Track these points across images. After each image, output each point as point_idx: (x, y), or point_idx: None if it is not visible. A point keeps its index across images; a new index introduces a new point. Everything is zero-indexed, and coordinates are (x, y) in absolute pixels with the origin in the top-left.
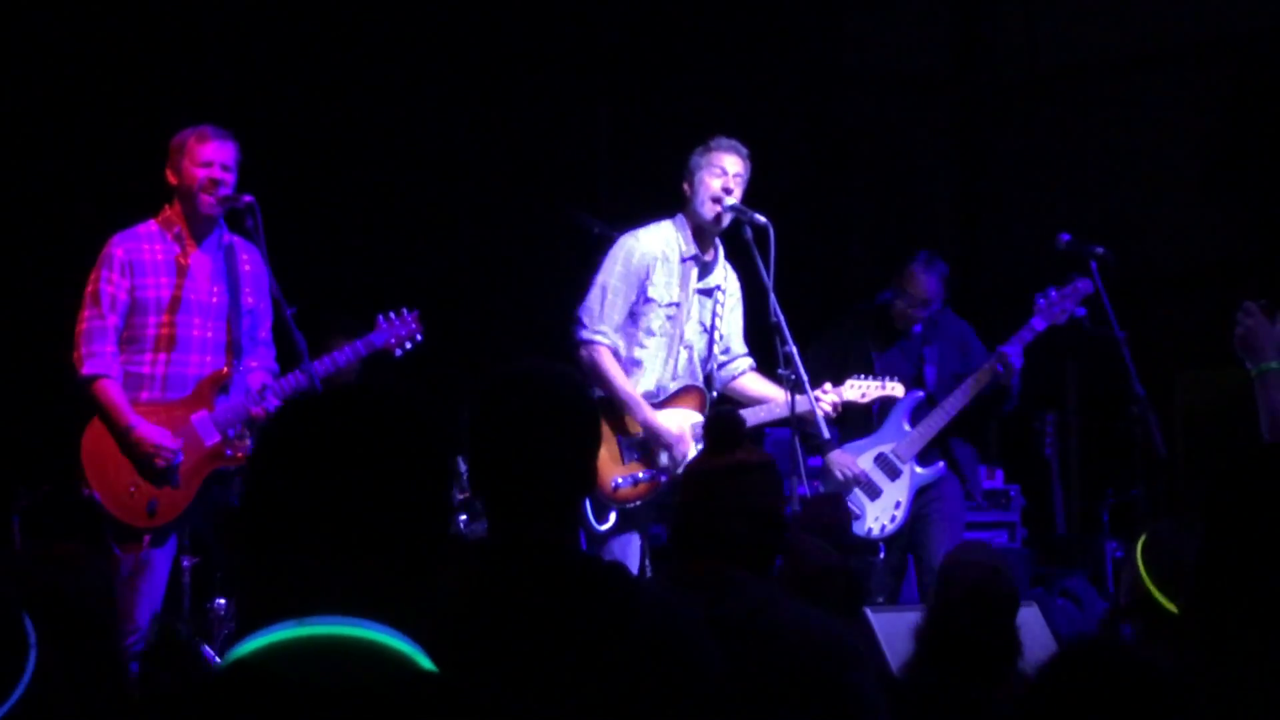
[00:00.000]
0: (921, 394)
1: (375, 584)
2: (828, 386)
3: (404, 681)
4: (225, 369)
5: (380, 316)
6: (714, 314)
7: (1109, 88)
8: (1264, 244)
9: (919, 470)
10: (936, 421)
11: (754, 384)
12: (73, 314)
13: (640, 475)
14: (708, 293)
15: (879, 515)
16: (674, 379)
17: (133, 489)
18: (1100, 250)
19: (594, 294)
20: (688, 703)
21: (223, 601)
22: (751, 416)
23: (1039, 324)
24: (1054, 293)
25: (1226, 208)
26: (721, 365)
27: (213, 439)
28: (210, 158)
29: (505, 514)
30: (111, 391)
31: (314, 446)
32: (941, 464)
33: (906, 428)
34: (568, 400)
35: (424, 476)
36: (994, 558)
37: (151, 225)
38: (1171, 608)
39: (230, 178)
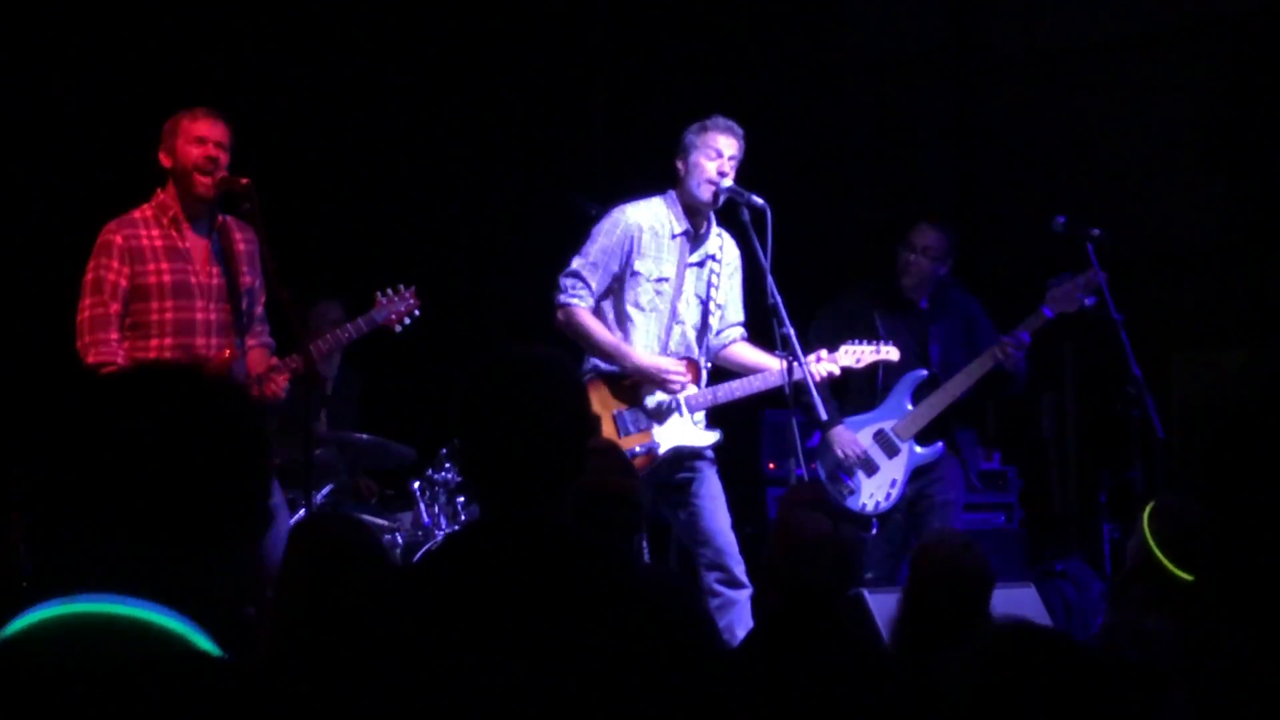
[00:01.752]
0: (924, 372)
1: (156, 566)
2: (823, 354)
3: (176, 660)
4: (232, 349)
5: (379, 293)
6: (709, 284)
7: (1106, 68)
8: (1261, 225)
9: (918, 450)
10: (938, 403)
11: (746, 353)
12: (62, 302)
13: (638, 449)
14: (700, 264)
15: (874, 492)
16: (667, 354)
17: None
18: (1096, 232)
19: (574, 262)
20: (679, 677)
21: None
22: (746, 386)
23: (1049, 312)
24: (1067, 281)
25: (1224, 189)
26: (716, 333)
27: None
28: (204, 134)
29: (496, 496)
30: None
31: (98, 427)
32: (940, 445)
33: (908, 406)
34: (558, 383)
35: (215, 463)
36: (965, 537)
37: (145, 210)
38: (1178, 574)
39: (225, 157)
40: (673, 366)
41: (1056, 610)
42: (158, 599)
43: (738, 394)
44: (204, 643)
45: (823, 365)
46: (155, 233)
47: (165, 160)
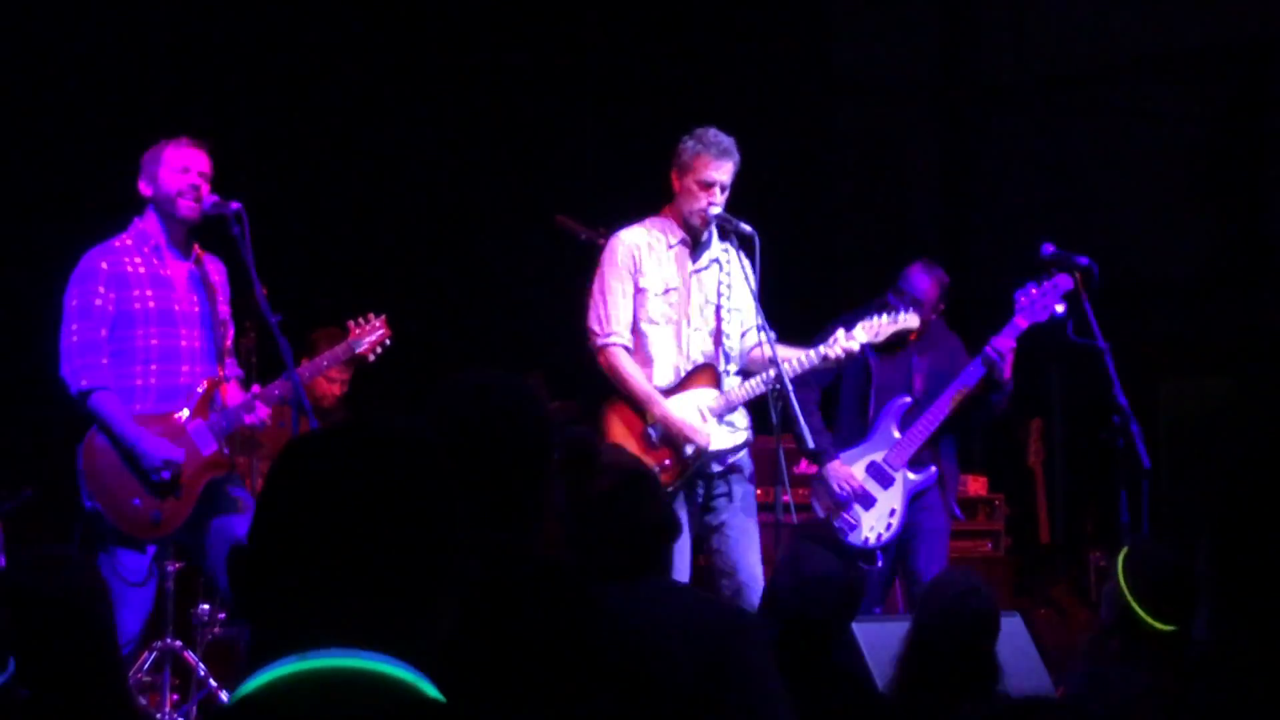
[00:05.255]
0: (908, 399)
1: (379, 617)
2: (840, 335)
3: (408, 710)
4: (217, 377)
5: (351, 322)
6: (719, 292)
7: (1095, 97)
8: (1248, 253)
9: (911, 476)
10: (924, 427)
11: (769, 353)
12: (36, 319)
13: (668, 461)
14: (705, 268)
15: (874, 524)
16: (690, 364)
17: (137, 501)
18: (1084, 261)
19: (595, 301)
20: (649, 707)
21: (205, 607)
22: (762, 384)
23: (1021, 322)
24: (1034, 289)
25: (1211, 217)
26: (741, 337)
27: (210, 448)
28: (187, 164)
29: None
30: (111, 404)
31: (321, 483)
32: (934, 468)
33: (896, 434)
34: (515, 406)
35: (430, 512)
36: (973, 578)
37: (124, 239)
38: (1152, 623)
39: (207, 186)
40: (699, 431)
41: (1042, 639)
42: (385, 650)
43: (755, 391)
44: (431, 690)
45: (839, 346)
46: (138, 260)
47: (145, 189)
